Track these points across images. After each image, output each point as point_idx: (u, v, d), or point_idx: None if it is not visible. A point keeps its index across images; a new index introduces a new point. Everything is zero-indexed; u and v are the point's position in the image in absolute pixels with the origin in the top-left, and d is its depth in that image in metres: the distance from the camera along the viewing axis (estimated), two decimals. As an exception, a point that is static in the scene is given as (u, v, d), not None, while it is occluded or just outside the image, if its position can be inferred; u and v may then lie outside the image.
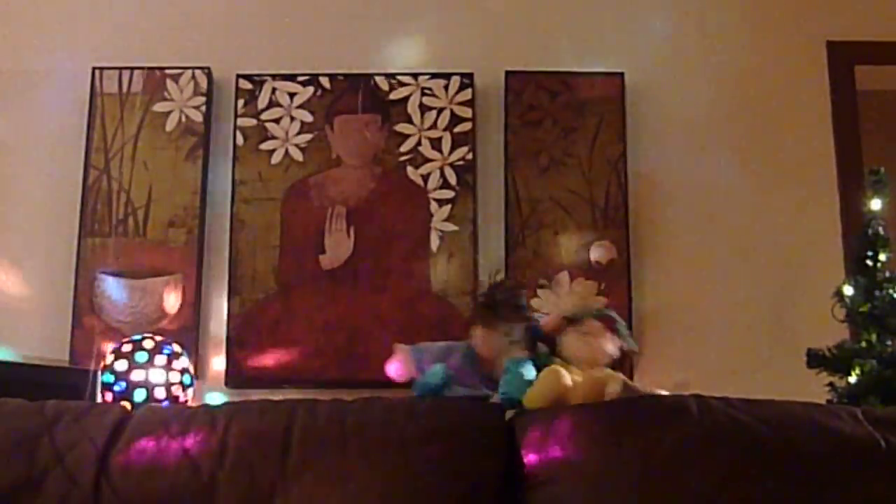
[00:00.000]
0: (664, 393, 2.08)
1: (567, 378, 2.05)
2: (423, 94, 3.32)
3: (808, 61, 3.37)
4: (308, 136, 3.30)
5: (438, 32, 3.43)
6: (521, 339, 2.28)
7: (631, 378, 3.08)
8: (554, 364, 2.15)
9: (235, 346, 3.16)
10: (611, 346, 2.21)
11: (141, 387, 2.73)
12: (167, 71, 3.34)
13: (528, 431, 1.85)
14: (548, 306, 3.14)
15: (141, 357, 2.77)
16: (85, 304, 3.18)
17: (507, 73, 3.33)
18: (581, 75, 3.33)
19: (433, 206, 3.25)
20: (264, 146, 3.30)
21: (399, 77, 3.33)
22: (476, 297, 2.53)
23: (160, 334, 2.93)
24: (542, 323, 2.33)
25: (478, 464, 1.81)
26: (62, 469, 1.82)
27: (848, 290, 2.71)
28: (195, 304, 3.20)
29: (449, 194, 3.25)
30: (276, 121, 3.31)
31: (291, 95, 3.32)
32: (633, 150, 3.29)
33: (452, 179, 3.26)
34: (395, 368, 2.50)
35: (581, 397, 2.01)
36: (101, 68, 3.34)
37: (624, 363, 2.29)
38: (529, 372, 2.15)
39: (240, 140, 3.30)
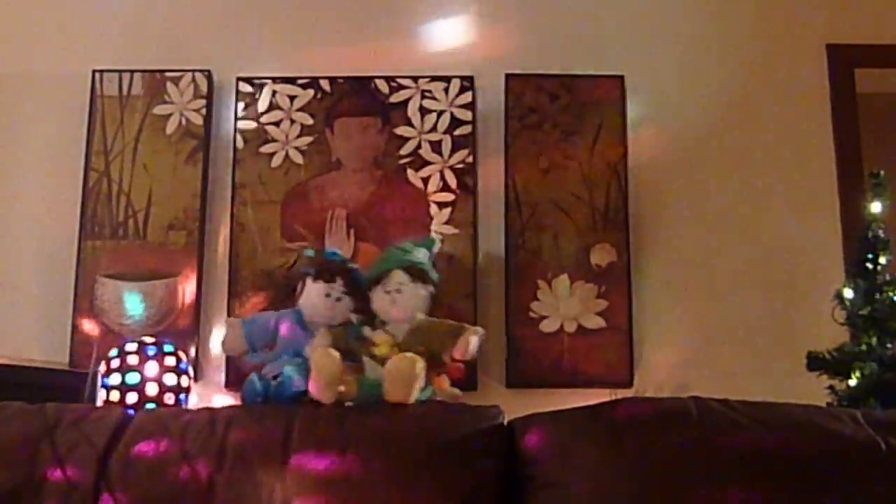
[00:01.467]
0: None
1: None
2: (423, 96, 3.32)
3: (807, 64, 3.37)
4: (308, 139, 3.30)
5: (438, 35, 3.43)
6: (345, 295, 2.47)
7: (632, 380, 3.10)
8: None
9: (235, 348, 3.16)
10: (419, 298, 2.19)
11: (141, 389, 2.73)
12: (167, 74, 3.34)
13: (527, 432, 1.85)
14: (548, 309, 3.15)
15: (141, 360, 2.76)
16: (85, 306, 3.18)
17: (508, 75, 3.32)
18: (581, 78, 3.33)
19: (433, 208, 3.25)
20: (264, 149, 3.29)
21: (399, 80, 3.33)
22: (301, 259, 2.63)
23: (160, 337, 2.93)
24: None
25: (478, 465, 1.81)
26: (62, 472, 1.82)
27: (848, 293, 2.71)
28: (195, 307, 3.20)
29: (449, 197, 3.25)
30: (277, 123, 3.31)
31: (291, 98, 3.32)
32: (634, 152, 3.29)
33: (452, 182, 3.26)
34: (224, 343, 2.53)
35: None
36: (102, 71, 3.34)
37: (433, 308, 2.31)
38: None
39: (240, 143, 3.30)
